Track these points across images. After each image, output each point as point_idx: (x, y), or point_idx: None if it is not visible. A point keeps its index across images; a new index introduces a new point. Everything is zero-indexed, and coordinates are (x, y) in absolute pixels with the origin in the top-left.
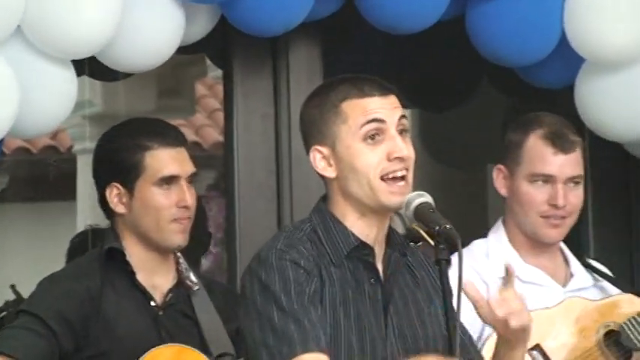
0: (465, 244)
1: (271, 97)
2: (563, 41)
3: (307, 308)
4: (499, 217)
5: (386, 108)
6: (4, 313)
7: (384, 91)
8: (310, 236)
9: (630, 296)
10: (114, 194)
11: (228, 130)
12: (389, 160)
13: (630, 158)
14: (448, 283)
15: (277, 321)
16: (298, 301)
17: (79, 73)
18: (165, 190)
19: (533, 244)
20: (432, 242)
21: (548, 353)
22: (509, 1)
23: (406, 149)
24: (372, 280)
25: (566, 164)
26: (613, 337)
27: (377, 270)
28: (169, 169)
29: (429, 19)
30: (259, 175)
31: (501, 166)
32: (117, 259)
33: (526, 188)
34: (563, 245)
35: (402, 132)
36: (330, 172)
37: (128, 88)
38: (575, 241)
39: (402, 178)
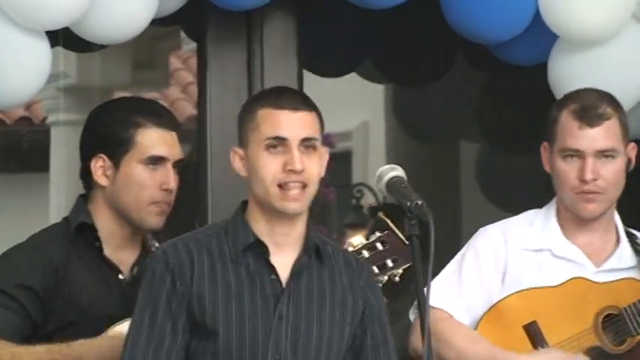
0: (437, 220)
1: (245, 70)
2: (537, 18)
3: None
4: (471, 192)
5: (291, 125)
6: None
7: (297, 107)
8: (217, 234)
9: (636, 281)
10: (98, 165)
11: (201, 103)
12: (284, 171)
13: None
14: (419, 258)
15: (135, 331)
16: (151, 316)
17: (53, 45)
18: (151, 170)
19: (575, 220)
20: (399, 233)
21: (544, 331)
22: None
23: (300, 163)
24: (272, 277)
25: (594, 138)
26: (612, 321)
27: (274, 268)
28: (158, 150)
29: None
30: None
31: (545, 143)
32: (85, 233)
33: (559, 164)
34: (619, 224)
35: (307, 148)
36: (243, 172)
37: (103, 61)
38: None
39: (300, 187)
